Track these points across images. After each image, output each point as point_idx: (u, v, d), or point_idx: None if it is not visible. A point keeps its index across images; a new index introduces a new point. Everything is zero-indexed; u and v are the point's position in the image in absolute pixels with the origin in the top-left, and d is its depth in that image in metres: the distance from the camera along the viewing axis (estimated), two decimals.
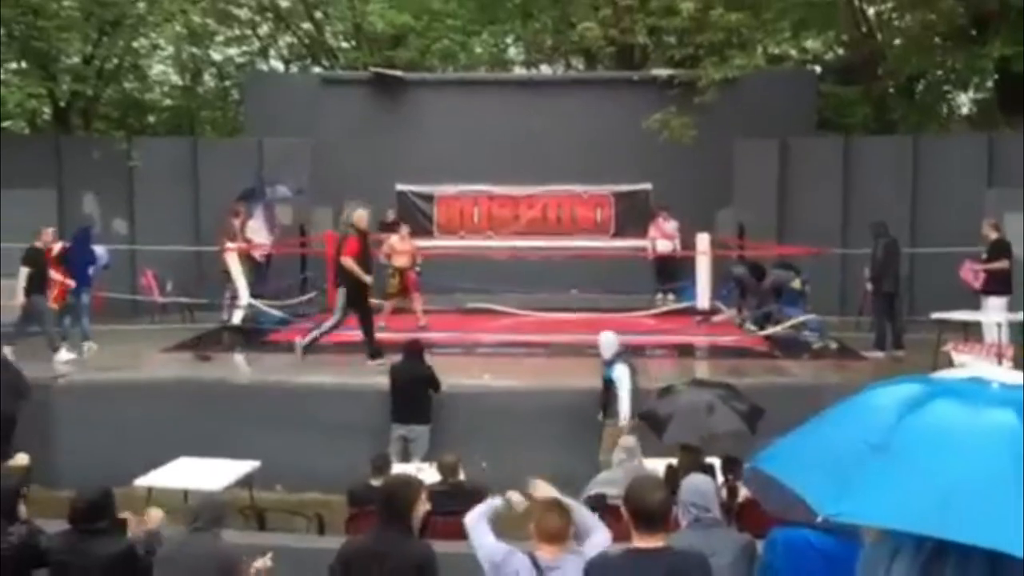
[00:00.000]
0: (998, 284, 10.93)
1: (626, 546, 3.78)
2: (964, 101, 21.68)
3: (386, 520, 4.29)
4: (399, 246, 13.77)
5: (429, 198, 17.58)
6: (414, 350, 9.74)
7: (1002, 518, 2.28)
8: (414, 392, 9.41)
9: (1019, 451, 2.39)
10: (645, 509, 3.66)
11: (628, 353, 9.13)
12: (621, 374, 8.66)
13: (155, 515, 5.27)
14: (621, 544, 3.94)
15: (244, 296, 13.70)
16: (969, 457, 2.43)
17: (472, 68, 22.70)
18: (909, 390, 2.73)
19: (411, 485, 4.44)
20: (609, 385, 8.79)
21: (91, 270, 12.07)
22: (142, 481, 7.68)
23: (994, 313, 10.74)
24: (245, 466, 7.98)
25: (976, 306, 11.14)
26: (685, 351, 12.85)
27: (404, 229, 14.15)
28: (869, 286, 11.81)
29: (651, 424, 7.14)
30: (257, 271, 14.50)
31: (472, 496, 6.76)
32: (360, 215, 11.06)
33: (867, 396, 2.82)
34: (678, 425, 6.92)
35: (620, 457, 7.02)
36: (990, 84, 18.12)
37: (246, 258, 14.11)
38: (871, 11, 17.73)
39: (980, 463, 2.41)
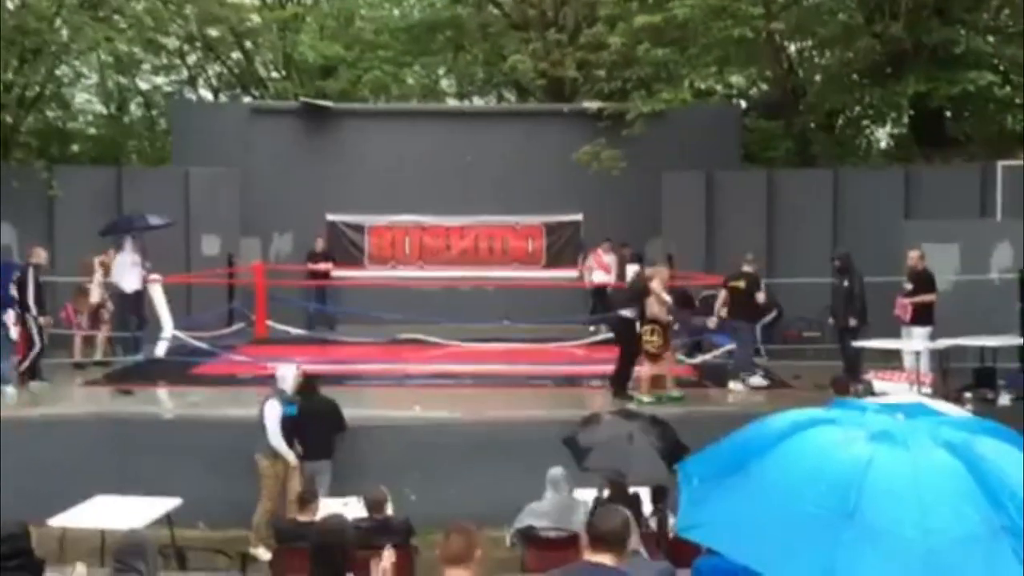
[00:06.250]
0: (924, 315, 11.21)
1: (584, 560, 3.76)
2: (882, 135, 22.40)
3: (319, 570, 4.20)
4: None
5: (360, 228, 17.49)
6: (311, 385, 9.26)
7: (990, 569, 2.33)
8: (319, 428, 9.00)
9: (975, 492, 2.45)
10: (607, 533, 3.69)
11: None
12: None
13: (80, 572, 5.11)
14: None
15: (168, 328, 13.39)
16: (936, 514, 2.45)
17: (404, 99, 22.74)
18: (830, 435, 2.69)
19: (345, 533, 4.36)
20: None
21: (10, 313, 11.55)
22: (57, 521, 7.41)
23: (917, 342, 10.99)
24: (165, 503, 7.76)
25: (894, 334, 11.42)
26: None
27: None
28: (850, 320, 11.47)
29: (572, 451, 7.17)
30: (124, 304, 13.30)
31: (399, 532, 6.70)
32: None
33: (791, 444, 2.73)
34: (598, 454, 6.96)
35: (548, 490, 7.01)
36: (906, 119, 18.76)
37: (114, 293, 13.17)
38: (792, 48, 18.28)
39: (948, 518, 2.44)
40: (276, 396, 8.80)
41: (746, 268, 11.91)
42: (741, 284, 11.73)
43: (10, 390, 10.97)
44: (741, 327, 11.84)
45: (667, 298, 10.81)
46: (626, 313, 10.89)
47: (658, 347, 10.67)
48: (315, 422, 8.97)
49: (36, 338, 11.34)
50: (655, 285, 10.75)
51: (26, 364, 11.31)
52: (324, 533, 4.53)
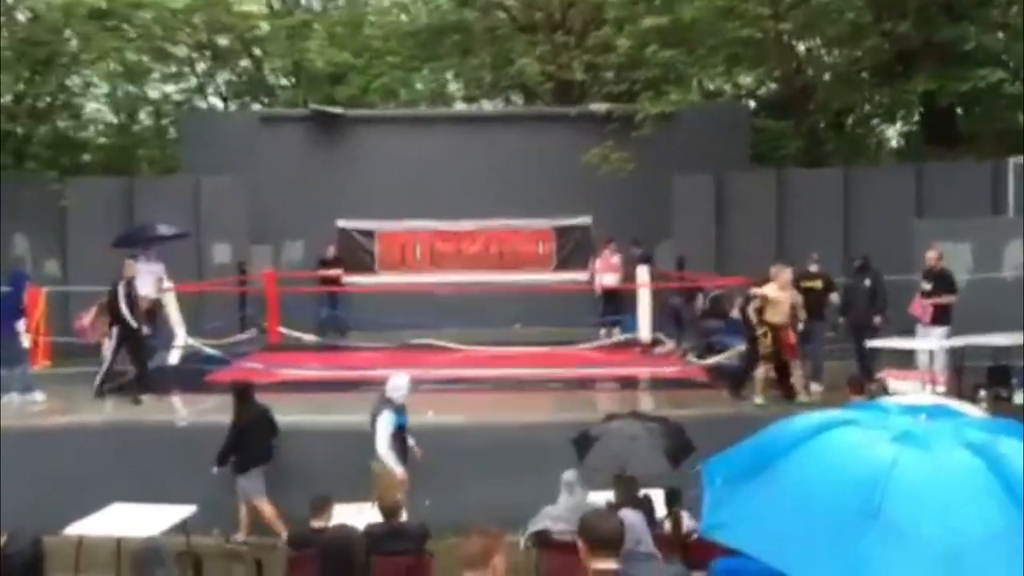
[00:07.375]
0: (942, 315, 11.14)
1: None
2: (892, 134, 22.34)
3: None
4: None
5: (370, 234, 17.54)
6: (249, 393, 9.30)
7: (1013, 568, 2.32)
8: (259, 435, 9.11)
9: (998, 492, 2.44)
10: (601, 536, 3.68)
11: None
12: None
13: None
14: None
15: (181, 336, 13.45)
16: (958, 514, 2.44)
17: (413, 104, 22.78)
18: (853, 436, 2.68)
19: (352, 541, 4.35)
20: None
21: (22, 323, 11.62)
22: (73, 529, 7.44)
23: (932, 341, 10.93)
24: (181, 511, 7.78)
25: (906, 332, 11.36)
26: (628, 383, 12.90)
27: None
28: (874, 319, 11.45)
29: (577, 448, 7.20)
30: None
31: (415, 537, 6.70)
32: None
33: (815, 445, 2.72)
34: (599, 451, 6.99)
35: (562, 493, 7.00)
36: (916, 117, 18.71)
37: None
38: (801, 47, 18.23)
39: (971, 518, 2.43)
40: (388, 407, 8.54)
41: (814, 268, 11.80)
42: (818, 284, 11.52)
43: (39, 396, 11.06)
44: (816, 327, 11.55)
45: (779, 298, 10.48)
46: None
47: (769, 348, 10.57)
48: (255, 429, 9.04)
49: (110, 351, 11.45)
50: (757, 291, 10.61)
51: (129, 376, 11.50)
52: (332, 540, 4.55)
